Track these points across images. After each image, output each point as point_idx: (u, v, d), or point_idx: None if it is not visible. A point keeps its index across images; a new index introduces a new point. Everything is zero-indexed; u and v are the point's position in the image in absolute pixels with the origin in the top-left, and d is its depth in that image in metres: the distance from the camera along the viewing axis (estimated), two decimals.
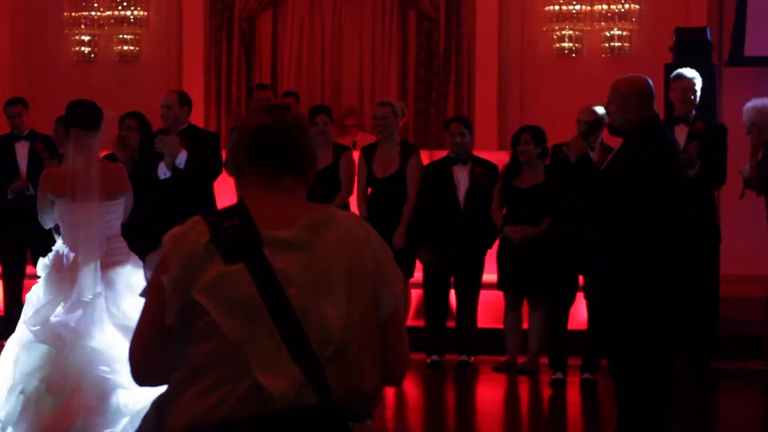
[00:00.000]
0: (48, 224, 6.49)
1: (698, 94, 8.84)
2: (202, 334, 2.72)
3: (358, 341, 2.75)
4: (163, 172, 9.10)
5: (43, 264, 6.35)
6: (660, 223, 6.09)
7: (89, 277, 6.22)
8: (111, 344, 6.03)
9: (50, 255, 6.36)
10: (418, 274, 9.85)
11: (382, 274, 2.83)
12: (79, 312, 6.14)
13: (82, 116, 6.36)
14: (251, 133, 2.94)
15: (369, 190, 9.79)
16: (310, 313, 2.71)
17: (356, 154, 9.94)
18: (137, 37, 13.63)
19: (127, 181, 6.60)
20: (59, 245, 6.36)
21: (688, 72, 8.87)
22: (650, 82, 6.27)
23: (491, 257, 9.61)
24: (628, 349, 6.19)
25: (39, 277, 6.37)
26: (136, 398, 5.82)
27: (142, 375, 2.85)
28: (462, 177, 9.67)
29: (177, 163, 9.04)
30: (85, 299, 6.17)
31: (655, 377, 6.20)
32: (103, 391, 5.97)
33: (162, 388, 2.86)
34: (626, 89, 6.19)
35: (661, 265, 6.12)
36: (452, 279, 9.71)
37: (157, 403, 2.85)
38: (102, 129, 6.44)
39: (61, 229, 6.39)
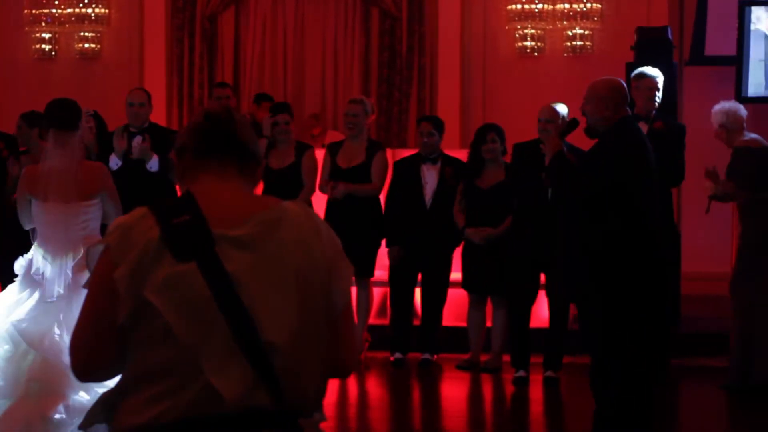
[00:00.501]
0: (27, 225, 6.43)
1: (660, 93, 8.90)
2: (154, 335, 2.68)
3: (307, 342, 2.73)
4: (114, 162, 9.12)
5: (19, 264, 6.31)
6: (637, 215, 6.22)
7: (56, 279, 6.18)
8: (63, 349, 5.95)
9: (27, 255, 6.32)
10: (380, 273, 9.86)
11: (332, 270, 2.81)
12: (41, 313, 6.10)
13: (62, 115, 6.31)
14: (198, 122, 2.95)
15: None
16: (260, 315, 2.68)
17: (319, 153, 9.94)
18: (98, 35, 13.57)
19: (107, 180, 6.51)
20: (34, 246, 6.32)
21: (652, 71, 8.91)
22: (624, 84, 6.46)
23: (456, 256, 9.63)
24: (616, 347, 6.27)
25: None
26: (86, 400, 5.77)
27: (86, 371, 2.79)
28: (430, 176, 9.68)
29: (149, 167, 9.09)
30: (49, 300, 6.13)
31: (645, 375, 6.29)
32: (54, 398, 5.92)
33: (109, 383, 2.83)
34: (604, 91, 6.34)
35: (643, 259, 6.24)
36: (420, 277, 9.72)
37: (105, 401, 2.81)
38: (81, 127, 6.40)
39: (36, 230, 6.35)
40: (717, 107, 8.76)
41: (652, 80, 8.82)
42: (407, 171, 9.75)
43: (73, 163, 6.31)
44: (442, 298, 9.65)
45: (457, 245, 9.61)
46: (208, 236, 2.70)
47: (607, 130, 6.32)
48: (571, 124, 6.96)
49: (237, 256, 2.70)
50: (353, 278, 9.47)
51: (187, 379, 2.65)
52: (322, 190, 9.72)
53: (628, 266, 6.21)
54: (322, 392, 2.84)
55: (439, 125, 9.87)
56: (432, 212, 9.62)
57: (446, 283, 9.65)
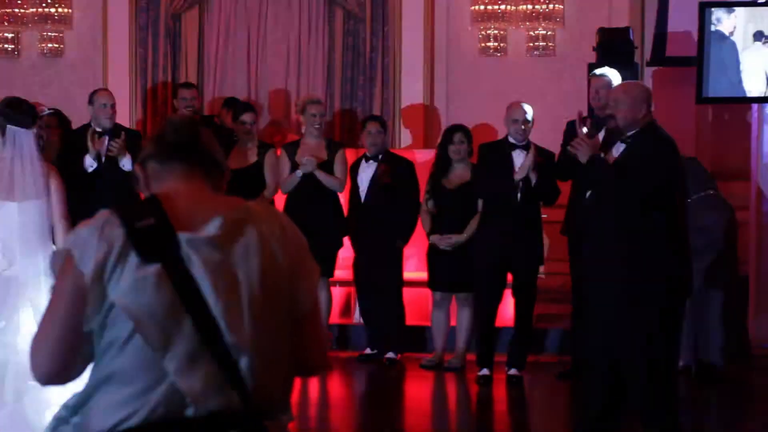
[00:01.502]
0: None
1: None
2: (120, 339, 2.68)
3: (272, 343, 2.74)
4: (89, 163, 9.12)
5: None
6: (676, 214, 6.28)
7: None
8: None
9: None
10: (341, 272, 9.90)
11: (298, 270, 2.83)
12: None
13: (18, 113, 6.29)
14: (162, 131, 2.97)
15: None
16: (225, 316, 2.68)
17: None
18: (61, 35, 13.50)
19: (54, 182, 6.48)
20: None
21: (605, 71, 9.01)
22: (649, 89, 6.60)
23: (419, 255, 9.67)
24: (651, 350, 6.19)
25: None
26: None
27: (49, 375, 2.77)
28: (366, 173, 9.75)
29: (121, 165, 9.09)
30: None
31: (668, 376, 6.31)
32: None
33: (74, 388, 2.82)
34: (638, 93, 6.42)
35: (682, 262, 6.28)
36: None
37: (71, 405, 2.80)
38: (36, 126, 6.37)
39: None
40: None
41: (600, 79, 8.92)
42: (351, 169, 9.85)
43: (33, 161, 6.29)
44: (396, 295, 9.67)
45: (405, 242, 9.66)
46: (173, 239, 2.70)
47: (638, 131, 6.36)
48: (599, 124, 6.88)
49: (202, 258, 2.70)
50: None
51: (154, 382, 2.66)
52: (284, 190, 9.74)
53: (671, 264, 6.23)
54: (288, 393, 2.85)
55: (384, 124, 10.00)
56: (366, 207, 9.69)
57: (400, 280, 9.69)
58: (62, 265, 2.75)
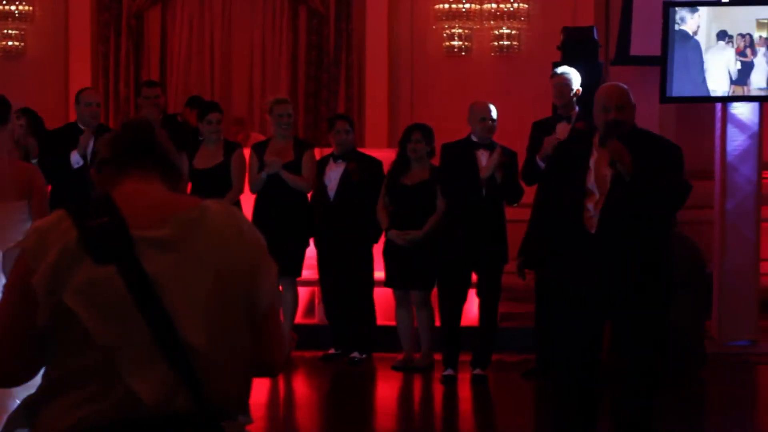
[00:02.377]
0: None
1: (573, 90, 8.98)
2: (74, 340, 2.64)
3: (228, 344, 2.70)
4: (76, 161, 9.12)
5: None
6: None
7: None
8: None
9: None
10: (307, 272, 9.87)
11: (255, 270, 2.78)
12: None
13: None
14: (117, 133, 2.95)
15: None
16: (180, 316, 2.64)
17: (246, 152, 9.90)
18: (22, 33, 13.41)
19: (37, 183, 6.35)
20: None
21: (562, 69, 9.06)
22: None
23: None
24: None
25: None
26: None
27: (2, 377, 2.75)
28: (335, 172, 9.73)
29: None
30: None
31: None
32: None
33: (31, 387, 2.78)
34: (631, 97, 6.46)
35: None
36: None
37: (26, 406, 2.76)
38: (10, 122, 6.28)
39: None
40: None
41: (560, 77, 8.97)
42: (318, 170, 9.83)
43: (4, 159, 6.19)
44: (366, 294, 9.66)
45: (375, 241, 9.66)
46: (127, 238, 2.66)
47: (630, 132, 6.34)
48: (616, 125, 6.45)
49: (156, 258, 2.66)
50: (282, 278, 9.45)
51: (108, 383, 2.62)
52: (252, 190, 9.70)
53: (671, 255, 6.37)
54: (245, 393, 2.81)
55: (352, 124, 9.99)
56: (335, 207, 9.67)
57: (368, 279, 9.68)
58: (15, 265, 2.70)
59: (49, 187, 9.53)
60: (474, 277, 9.07)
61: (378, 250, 9.72)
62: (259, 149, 9.83)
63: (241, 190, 9.64)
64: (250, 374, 2.82)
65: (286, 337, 2.92)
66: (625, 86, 6.54)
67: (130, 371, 2.61)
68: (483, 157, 8.98)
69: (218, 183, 9.46)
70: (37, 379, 2.80)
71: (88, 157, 9.19)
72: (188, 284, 2.67)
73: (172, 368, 2.62)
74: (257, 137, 12.28)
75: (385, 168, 9.68)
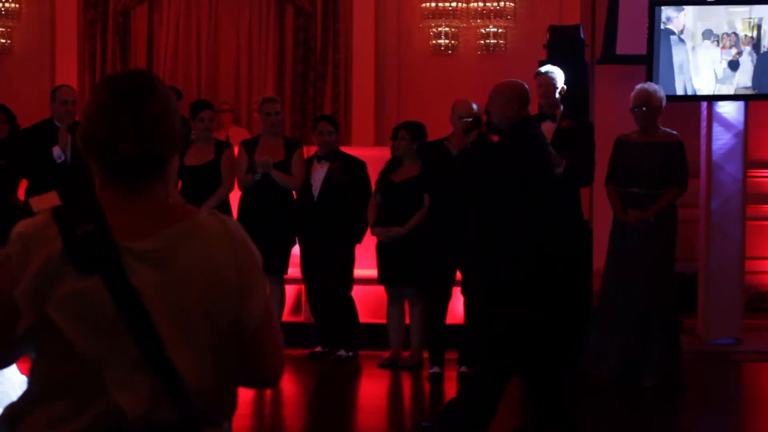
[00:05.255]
0: None
1: (558, 89, 9.00)
2: (58, 352, 2.58)
3: (213, 358, 2.65)
4: (58, 155, 9.17)
5: None
6: (538, 207, 6.56)
7: None
8: None
9: None
10: (293, 270, 9.88)
11: (246, 289, 2.70)
12: None
13: None
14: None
15: None
16: (165, 331, 2.58)
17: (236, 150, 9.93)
18: (9, 30, 13.37)
19: None
20: None
21: (547, 68, 9.09)
22: (527, 86, 6.84)
23: (371, 252, 9.66)
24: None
25: None
26: None
27: None
28: (319, 173, 9.74)
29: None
30: None
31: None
32: None
33: (14, 396, 2.74)
34: (508, 92, 6.73)
35: (547, 252, 6.57)
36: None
37: (8, 415, 2.69)
38: None
39: None
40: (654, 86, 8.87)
41: (545, 77, 9.01)
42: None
43: None
44: (346, 293, 9.68)
45: (358, 241, 9.68)
46: (113, 248, 2.57)
47: (509, 128, 6.68)
48: (475, 121, 7.24)
49: (143, 270, 2.59)
50: (269, 276, 9.46)
51: (92, 396, 2.57)
52: (241, 188, 9.71)
53: (534, 258, 6.47)
54: (231, 405, 2.77)
55: (336, 124, 10.00)
56: (319, 207, 9.68)
57: (350, 278, 9.70)
58: None
59: (25, 183, 9.63)
60: (458, 275, 9.09)
61: (361, 249, 9.75)
62: (248, 146, 9.84)
63: (230, 188, 9.67)
64: (236, 385, 2.77)
65: (282, 348, 2.83)
66: (512, 80, 6.84)
67: (114, 384, 2.56)
68: None
69: (208, 180, 9.54)
70: (21, 389, 2.76)
71: (68, 153, 9.29)
72: (174, 300, 2.60)
73: (157, 381, 2.58)
74: (238, 131, 12.32)
75: (371, 167, 9.71)
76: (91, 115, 2.70)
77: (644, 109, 8.61)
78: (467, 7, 12.92)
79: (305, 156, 9.93)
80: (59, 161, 9.23)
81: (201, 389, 2.63)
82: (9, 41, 13.38)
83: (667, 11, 9.84)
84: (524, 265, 6.43)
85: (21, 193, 9.85)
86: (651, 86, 8.86)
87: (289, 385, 9.03)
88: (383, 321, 9.70)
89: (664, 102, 8.70)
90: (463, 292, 9.08)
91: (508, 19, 12.87)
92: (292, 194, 9.78)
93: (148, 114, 2.67)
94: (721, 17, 9.87)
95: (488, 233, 6.54)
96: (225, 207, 9.57)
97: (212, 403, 2.69)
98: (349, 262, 9.69)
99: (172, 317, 2.60)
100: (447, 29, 12.94)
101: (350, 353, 9.64)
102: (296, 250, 9.81)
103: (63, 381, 2.60)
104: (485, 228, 6.58)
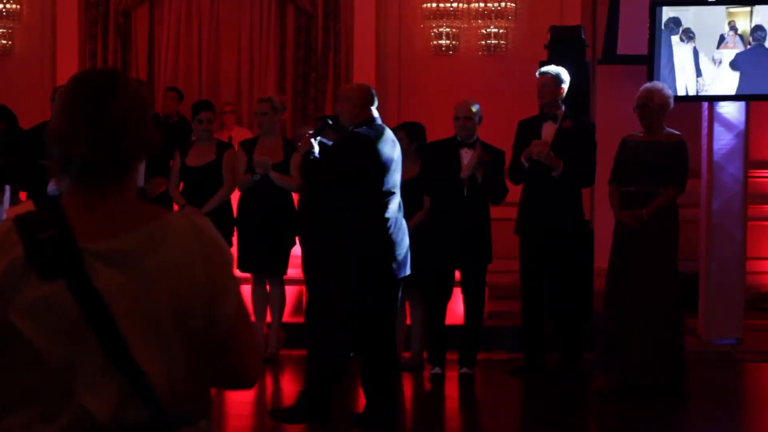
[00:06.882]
0: None
1: (558, 89, 8.99)
2: (23, 359, 2.52)
3: (182, 365, 2.59)
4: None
5: None
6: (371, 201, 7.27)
7: None
8: None
9: None
10: (291, 271, 9.88)
11: (217, 291, 2.63)
12: None
13: None
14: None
15: None
16: (131, 335, 2.52)
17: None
18: (10, 31, 13.38)
19: None
20: None
21: (547, 68, 9.09)
22: (373, 90, 7.45)
23: None
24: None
25: None
26: None
27: None
28: None
29: None
30: None
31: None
32: None
33: None
34: (351, 93, 7.40)
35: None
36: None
37: None
38: None
39: None
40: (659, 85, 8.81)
41: (543, 77, 9.01)
42: None
43: None
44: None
45: None
46: (75, 252, 2.51)
47: (353, 127, 7.27)
48: (323, 125, 7.74)
49: (107, 272, 2.52)
50: (269, 276, 9.46)
51: (61, 402, 2.52)
52: (240, 189, 9.71)
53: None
54: (205, 404, 2.72)
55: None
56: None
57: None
58: None
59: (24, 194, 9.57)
60: (458, 275, 9.09)
61: None
62: (247, 146, 9.83)
63: (232, 189, 9.67)
64: (208, 386, 2.72)
65: (258, 348, 2.80)
66: (357, 84, 7.68)
67: (82, 388, 2.52)
68: (466, 156, 8.99)
69: (209, 181, 9.54)
70: None
71: None
72: (141, 301, 2.54)
73: (126, 385, 2.53)
74: (241, 131, 12.32)
75: None
76: (55, 116, 2.65)
77: (645, 108, 8.59)
78: (468, 8, 12.92)
79: None
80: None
81: (170, 390, 2.57)
82: (10, 42, 13.39)
83: (668, 11, 9.84)
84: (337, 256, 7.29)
85: (22, 196, 9.88)
86: (656, 85, 8.81)
87: (289, 385, 9.02)
88: None
89: (670, 101, 8.63)
90: (463, 293, 9.09)
91: (509, 19, 12.87)
92: (291, 195, 9.77)
93: (110, 115, 2.59)
94: (722, 17, 9.86)
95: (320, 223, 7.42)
96: (226, 207, 9.57)
97: (184, 404, 2.62)
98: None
99: (138, 319, 2.54)
100: (448, 30, 12.94)
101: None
102: (296, 250, 9.80)
103: (30, 388, 2.54)
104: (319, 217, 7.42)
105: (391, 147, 7.34)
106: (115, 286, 2.52)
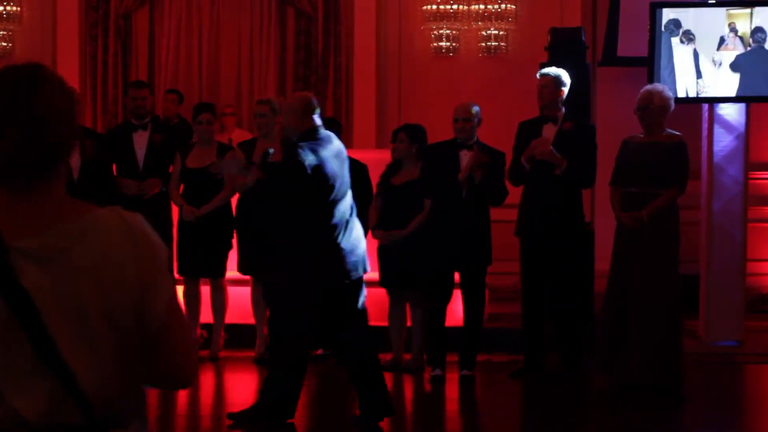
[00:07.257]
0: None
1: (559, 91, 8.99)
2: None
3: (112, 363, 2.54)
4: None
5: None
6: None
7: None
8: None
9: None
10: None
11: (147, 288, 2.57)
12: None
13: None
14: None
15: None
16: (58, 334, 2.46)
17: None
18: (10, 33, 13.39)
19: None
20: None
21: (547, 70, 9.09)
22: (313, 99, 7.49)
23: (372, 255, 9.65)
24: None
25: None
26: None
27: None
28: None
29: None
30: None
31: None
32: None
33: None
34: (294, 104, 7.44)
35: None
36: None
37: None
38: None
39: None
40: (659, 87, 8.79)
41: (544, 78, 9.02)
42: None
43: None
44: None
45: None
46: (2, 251, 2.45)
47: (298, 137, 7.26)
48: (265, 155, 7.47)
49: (33, 270, 2.47)
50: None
51: None
52: (237, 190, 9.70)
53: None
54: (138, 404, 2.67)
55: (339, 127, 9.96)
56: None
57: None
58: None
59: None
60: (458, 277, 9.09)
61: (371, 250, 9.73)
62: (245, 148, 9.83)
63: (232, 193, 9.66)
64: (141, 385, 2.67)
65: (193, 346, 2.73)
66: (297, 93, 8.18)
67: (11, 390, 2.47)
68: (466, 158, 9.00)
69: (209, 183, 9.53)
70: None
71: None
72: (68, 299, 2.49)
73: (56, 384, 2.48)
74: (242, 133, 12.32)
75: (372, 169, 9.70)
76: None
77: (646, 110, 8.58)
78: (468, 10, 12.92)
79: None
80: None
81: (100, 390, 2.53)
82: (10, 44, 13.39)
83: (668, 13, 9.84)
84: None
85: None
86: (656, 87, 8.80)
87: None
88: (385, 324, 9.67)
89: (671, 103, 8.62)
90: (463, 295, 9.10)
91: (509, 21, 12.87)
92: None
93: (30, 109, 2.52)
94: (722, 19, 9.87)
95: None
96: (226, 208, 9.58)
97: (116, 404, 2.58)
98: None
99: (67, 317, 2.49)
100: (448, 32, 12.94)
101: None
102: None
103: None
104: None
105: (335, 159, 7.27)
106: (41, 284, 2.46)
